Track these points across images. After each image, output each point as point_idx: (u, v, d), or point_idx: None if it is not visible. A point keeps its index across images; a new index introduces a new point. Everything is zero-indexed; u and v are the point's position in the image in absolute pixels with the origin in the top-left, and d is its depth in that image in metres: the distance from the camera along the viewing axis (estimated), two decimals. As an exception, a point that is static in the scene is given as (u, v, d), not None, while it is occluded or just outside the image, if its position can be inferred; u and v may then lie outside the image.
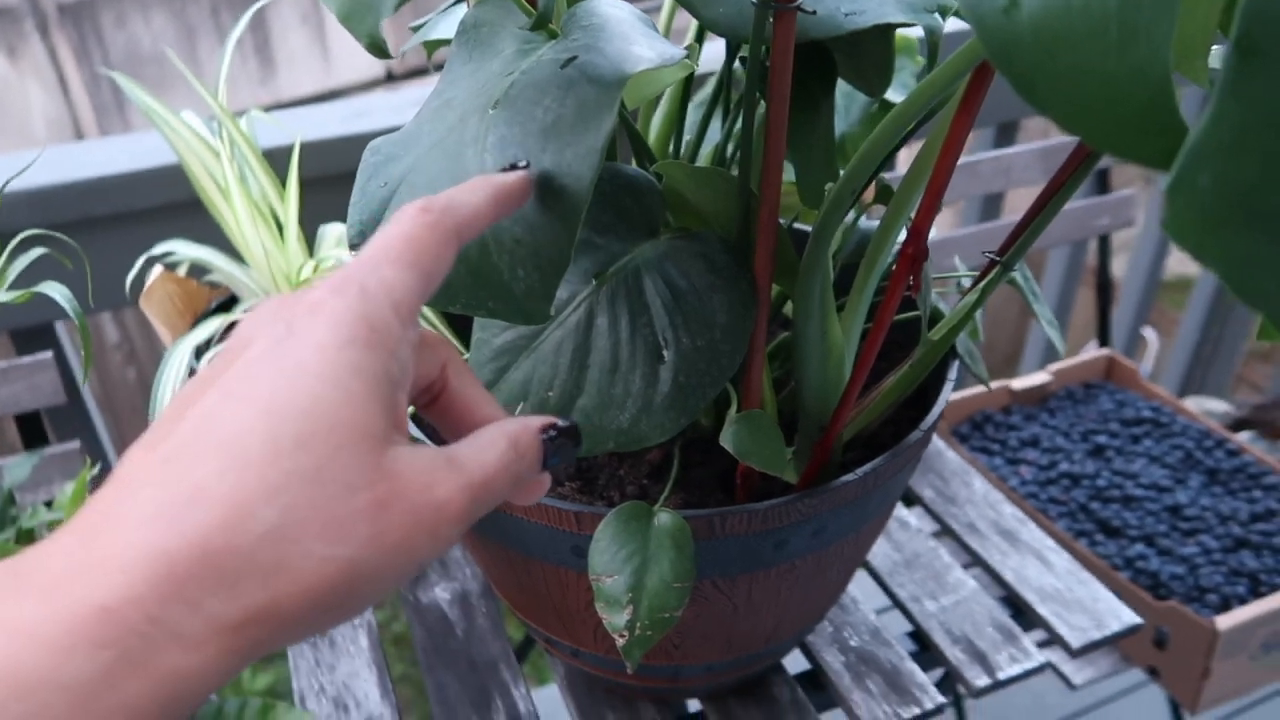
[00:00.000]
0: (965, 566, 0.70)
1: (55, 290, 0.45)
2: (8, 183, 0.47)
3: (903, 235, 0.42)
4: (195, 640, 0.19)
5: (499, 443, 0.26)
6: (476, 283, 0.31)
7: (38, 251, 0.54)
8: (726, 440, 0.39)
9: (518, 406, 0.41)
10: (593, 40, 0.33)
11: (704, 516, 0.43)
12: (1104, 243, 1.23)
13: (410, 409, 0.28)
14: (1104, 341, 1.29)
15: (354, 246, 0.34)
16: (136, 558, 0.19)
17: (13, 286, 0.53)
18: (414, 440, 0.25)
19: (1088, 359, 1.20)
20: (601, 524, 0.42)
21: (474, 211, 0.27)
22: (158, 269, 0.71)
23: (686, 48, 0.51)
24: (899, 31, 0.52)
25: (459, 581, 0.67)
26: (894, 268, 0.38)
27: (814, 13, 0.33)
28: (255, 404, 0.22)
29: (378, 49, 0.28)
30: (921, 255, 0.37)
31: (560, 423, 0.28)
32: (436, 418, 0.29)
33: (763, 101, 0.39)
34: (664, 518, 0.42)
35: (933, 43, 0.35)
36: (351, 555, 0.21)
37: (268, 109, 0.79)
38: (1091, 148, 0.20)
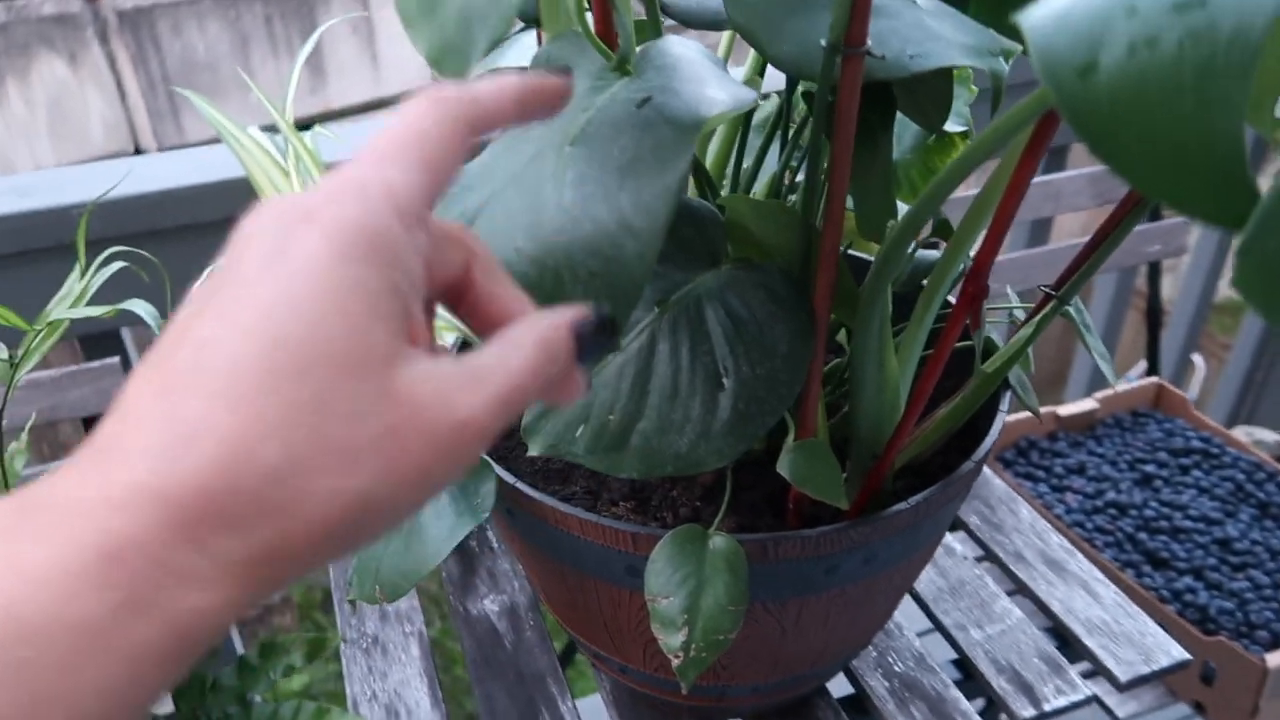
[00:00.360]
0: (1010, 594, 0.70)
1: (141, 308, 0.47)
2: (103, 195, 0.49)
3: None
4: (205, 580, 0.19)
5: (524, 345, 0.24)
6: (549, 312, 0.33)
7: (117, 266, 0.56)
8: (784, 468, 0.40)
9: (578, 429, 0.42)
10: (666, 81, 0.34)
11: (757, 541, 0.43)
12: (1154, 270, 1.22)
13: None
14: (1153, 369, 1.27)
15: (431, 274, 0.35)
16: (138, 499, 0.19)
17: (94, 298, 0.55)
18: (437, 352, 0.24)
19: (1136, 387, 1.19)
20: (658, 546, 0.43)
21: (495, 106, 0.25)
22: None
23: (747, 81, 0.52)
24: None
25: (508, 594, 0.68)
26: (954, 303, 0.39)
27: (882, 58, 0.34)
28: (250, 331, 0.20)
29: (467, 91, 0.30)
30: (982, 294, 0.37)
31: (594, 313, 0.26)
32: (465, 316, 0.27)
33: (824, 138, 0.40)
34: (718, 541, 0.43)
35: (996, 86, 0.35)
36: (361, 487, 0.20)
37: (318, 117, 0.81)
38: (1163, 204, 0.21)
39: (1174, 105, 0.19)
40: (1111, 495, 1.05)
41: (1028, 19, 0.21)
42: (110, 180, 0.82)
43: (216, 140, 0.87)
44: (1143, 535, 1.00)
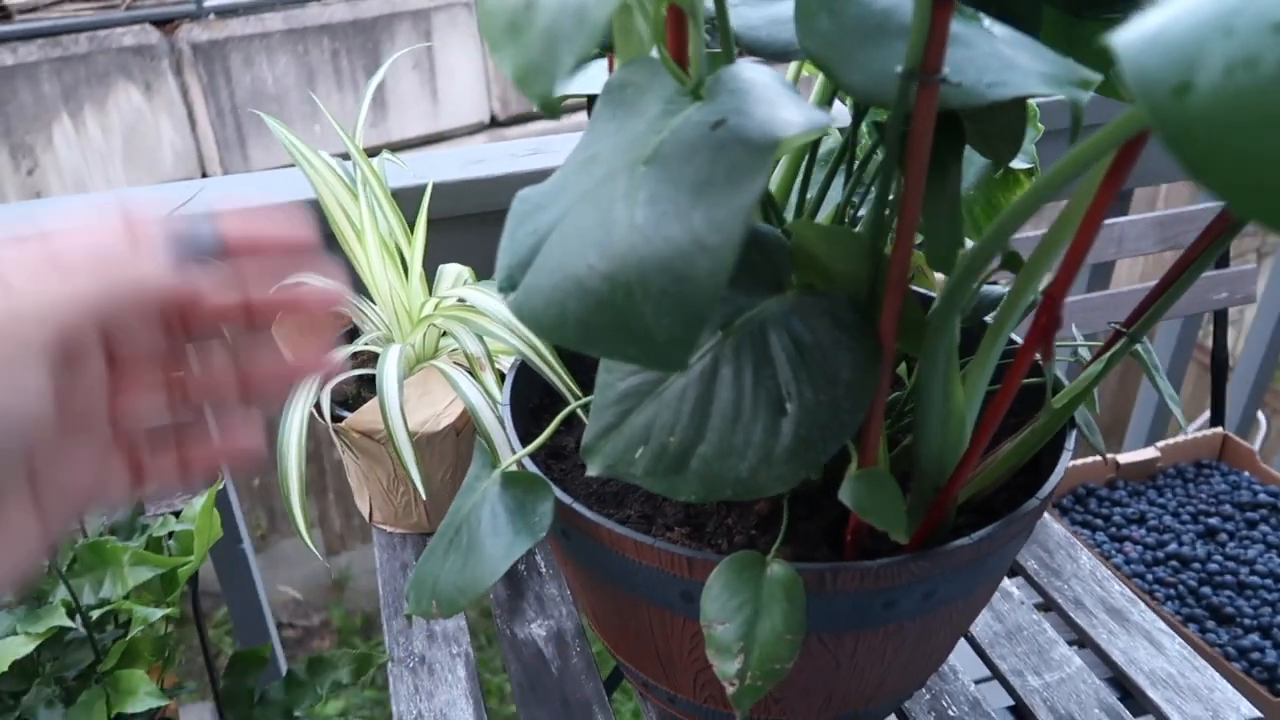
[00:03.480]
0: (1070, 643, 0.68)
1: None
2: (174, 211, 0.51)
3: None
4: None
5: None
6: (619, 329, 0.33)
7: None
8: (846, 496, 0.40)
9: (638, 450, 0.42)
10: (740, 104, 0.34)
11: (815, 570, 0.43)
12: (1220, 318, 1.19)
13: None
14: (1217, 420, 1.24)
15: (503, 290, 0.36)
16: None
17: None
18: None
19: (1199, 437, 1.16)
20: (714, 571, 0.42)
21: None
22: (290, 299, 0.75)
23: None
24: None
25: (555, 619, 0.68)
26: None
27: (959, 85, 0.34)
28: None
29: (551, 110, 0.30)
30: (1055, 325, 0.37)
31: None
32: None
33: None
34: (776, 569, 0.42)
35: (1076, 115, 0.35)
36: None
37: (378, 148, 0.82)
38: (1260, 226, 0.20)
39: (1273, 123, 0.19)
40: (1173, 547, 1.02)
41: (1119, 39, 0.21)
42: (179, 200, 0.84)
43: (282, 168, 0.89)
44: (1206, 590, 0.96)
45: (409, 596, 0.48)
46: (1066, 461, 0.49)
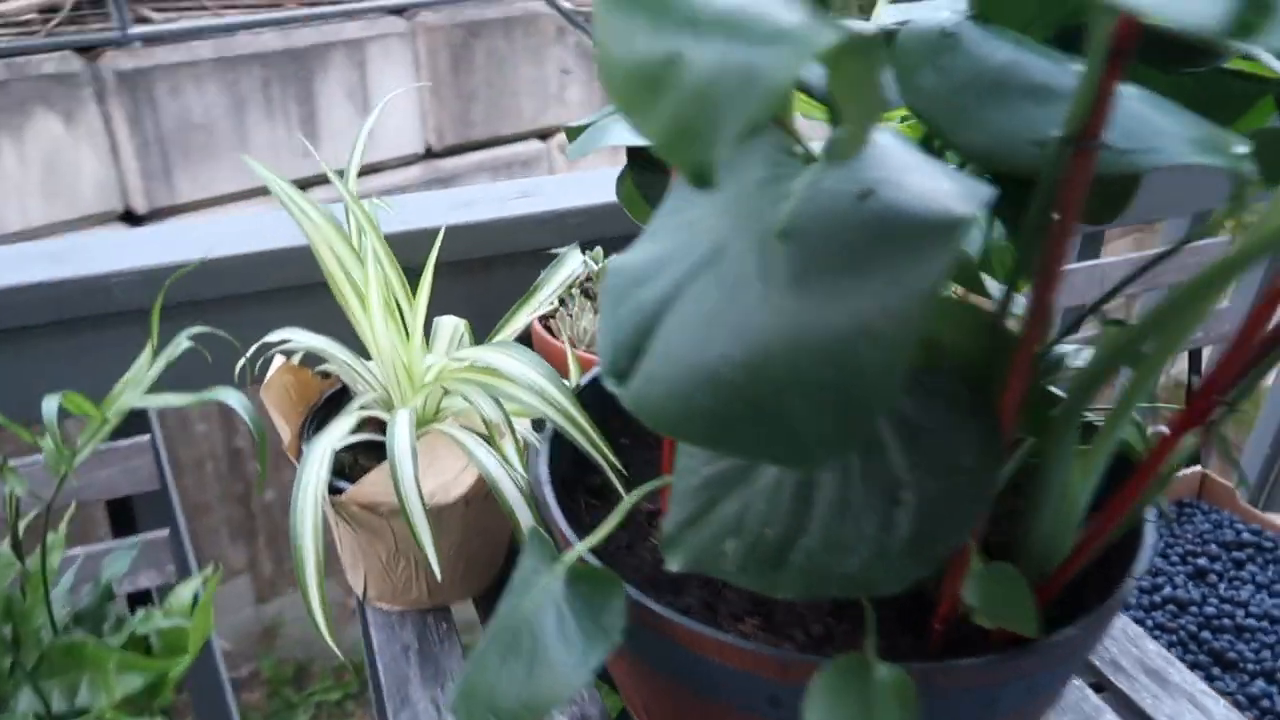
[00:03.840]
0: (1090, 685, 0.65)
1: (232, 397, 0.42)
2: (199, 263, 0.45)
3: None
4: None
5: None
6: (758, 423, 0.29)
7: (185, 345, 0.52)
8: (973, 596, 0.36)
9: (727, 542, 0.38)
10: (881, 172, 0.31)
11: (923, 670, 0.39)
12: (1194, 357, 1.21)
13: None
14: (1194, 458, 1.25)
15: (609, 376, 0.32)
16: None
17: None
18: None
19: (1179, 476, 1.17)
20: (817, 676, 0.38)
21: None
22: (278, 359, 0.69)
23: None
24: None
25: (578, 705, 0.63)
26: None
27: (1125, 152, 0.31)
28: None
29: (704, 180, 0.26)
30: (1212, 408, 0.34)
31: None
32: None
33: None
34: (884, 672, 0.38)
35: (1239, 191, 0.33)
36: None
37: (313, 179, 0.77)
38: None
39: None
40: (1168, 590, 1.01)
41: None
42: (143, 247, 0.78)
43: (209, 205, 0.82)
44: (1206, 634, 0.96)
45: (457, 709, 0.42)
46: (1154, 535, 0.47)
